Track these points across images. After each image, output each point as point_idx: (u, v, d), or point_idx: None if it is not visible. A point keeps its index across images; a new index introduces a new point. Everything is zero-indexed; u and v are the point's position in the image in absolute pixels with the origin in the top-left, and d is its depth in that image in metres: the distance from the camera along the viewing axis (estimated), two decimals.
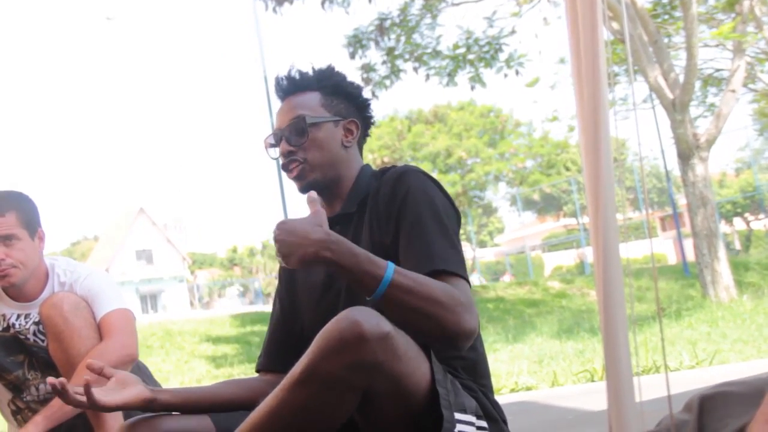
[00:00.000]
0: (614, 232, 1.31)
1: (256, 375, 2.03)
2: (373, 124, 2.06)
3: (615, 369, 1.25)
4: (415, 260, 1.70)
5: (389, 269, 1.59)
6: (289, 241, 1.61)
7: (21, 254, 2.60)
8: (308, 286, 1.99)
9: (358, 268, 1.59)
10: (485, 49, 12.68)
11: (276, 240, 1.63)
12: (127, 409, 1.72)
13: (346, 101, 1.98)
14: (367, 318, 1.46)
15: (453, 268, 1.67)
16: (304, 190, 1.93)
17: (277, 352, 2.00)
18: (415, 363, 1.56)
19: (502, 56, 12.70)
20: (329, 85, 1.97)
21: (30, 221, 2.66)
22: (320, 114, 1.94)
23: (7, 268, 2.58)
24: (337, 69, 2.01)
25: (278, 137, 1.96)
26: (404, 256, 1.73)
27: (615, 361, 1.25)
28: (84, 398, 1.63)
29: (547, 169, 30.41)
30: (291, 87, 1.99)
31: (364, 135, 2.04)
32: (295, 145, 1.92)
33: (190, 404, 1.82)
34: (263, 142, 2.01)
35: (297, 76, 1.98)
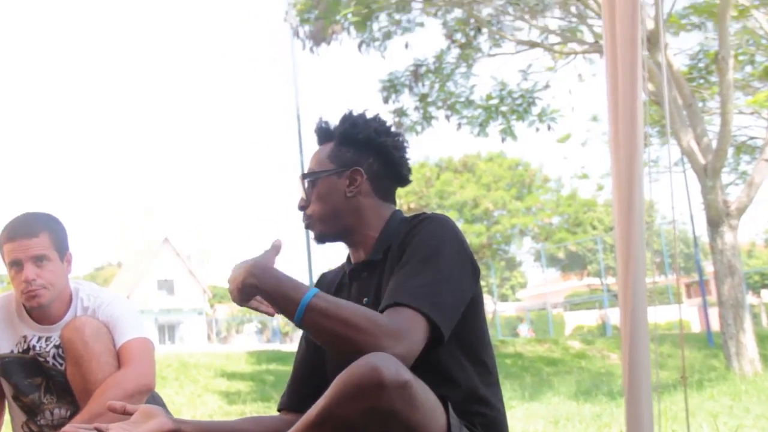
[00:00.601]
0: (642, 294, 1.31)
1: (277, 414, 2.03)
2: (400, 165, 1.99)
3: None
4: (388, 292, 1.73)
5: (309, 294, 1.64)
6: (230, 278, 1.74)
7: (51, 276, 2.62)
8: None
9: (278, 292, 1.67)
10: (518, 101, 12.74)
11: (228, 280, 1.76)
12: None
13: (356, 148, 1.96)
14: (387, 365, 1.45)
15: (410, 302, 1.67)
16: (316, 241, 2.01)
17: (300, 392, 2.00)
18: (431, 414, 1.55)
19: (535, 110, 12.74)
20: (339, 133, 1.98)
21: (60, 243, 2.68)
22: (325, 167, 1.96)
23: (37, 288, 2.59)
24: (355, 114, 1.99)
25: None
26: (391, 281, 1.77)
27: (637, 427, 1.23)
28: None
29: (574, 226, 30.26)
30: (317, 137, 2.04)
31: (395, 178, 2.00)
32: (304, 201, 1.98)
33: None
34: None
35: (324, 127, 2.02)
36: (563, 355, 16.25)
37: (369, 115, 2.00)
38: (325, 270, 2.20)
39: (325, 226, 1.96)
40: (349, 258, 2.02)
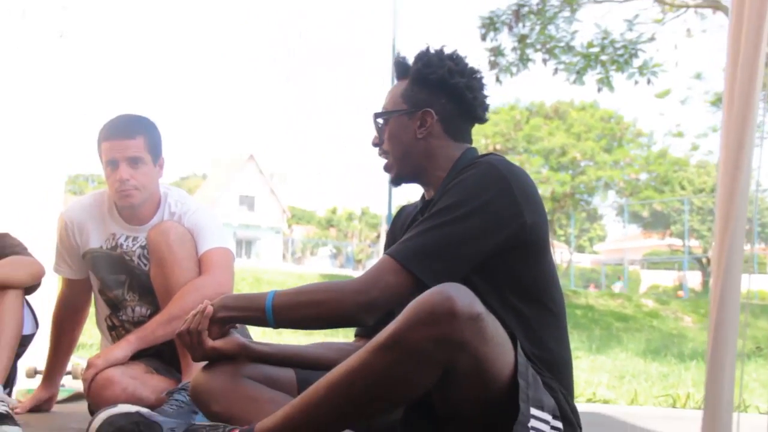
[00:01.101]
0: (738, 260, 1.26)
1: (350, 341, 2.06)
2: (476, 105, 1.94)
3: (715, 399, 1.20)
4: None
5: (268, 298, 1.72)
6: (193, 326, 1.80)
7: (144, 178, 2.69)
8: None
9: (246, 311, 1.77)
10: (620, 52, 12.31)
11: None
12: (224, 353, 1.78)
13: (429, 88, 1.91)
14: (460, 296, 1.46)
15: (392, 252, 1.73)
16: (392, 183, 2.01)
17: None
18: (500, 350, 1.55)
19: (636, 62, 12.29)
20: (413, 72, 1.94)
21: (155, 147, 2.74)
22: (398, 106, 1.94)
23: (130, 189, 2.67)
24: (430, 52, 1.93)
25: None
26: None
27: (717, 393, 1.20)
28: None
29: (661, 185, 29.45)
30: (397, 73, 2.01)
31: (469, 117, 1.96)
32: (378, 138, 1.98)
33: (281, 357, 1.88)
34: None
35: (401, 62, 1.99)
36: (635, 312, 16.04)
37: (446, 52, 1.93)
38: (405, 203, 2.20)
39: (398, 167, 1.96)
40: (423, 198, 2.02)
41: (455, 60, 1.92)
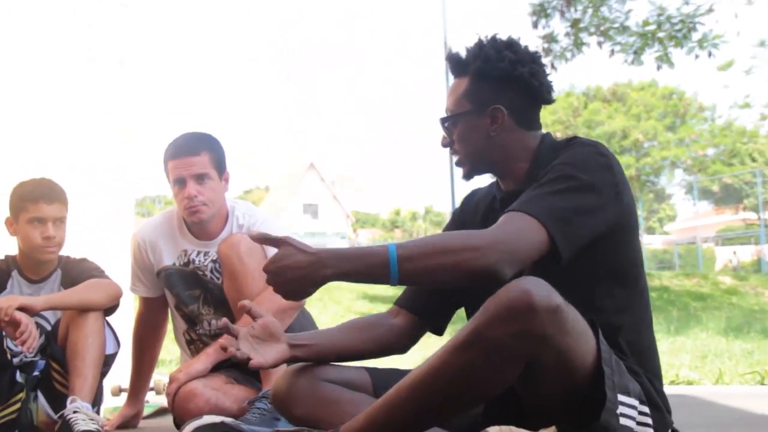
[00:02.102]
0: None
1: (389, 310, 2.02)
2: (542, 90, 1.89)
3: None
4: (521, 199, 1.69)
5: (390, 249, 1.56)
6: (286, 280, 1.61)
7: (211, 193, 2.74)
8: None
9: (361, 267, 1.58)
10: (677, 27, 12.00)
11: (273, 285, 1.64)
12: (272, 367, 1.77)
13: (493, 84, 1.86)
14: (538, 289, 1.44)
15: (528, 209, 1.63)
16: (465, 178, 1.97)
17: (424, 297, 1.99)
18: (582, 339, 1.54)
19: (695, 36, 11.96)
20: (474, 69, 1.88)
21: (220, 163, 2.79)
22: (462, 107, 1.90)
23: (198, 205, 2.72)
24: (486, 45, 1.88)
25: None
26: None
27: None
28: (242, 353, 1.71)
29: (730, 158, 28.68)
30: (452, 68, 1.96)
31: (539, 101, 1.92)
32: (449, 140, 1.94)
33: (321, 357, 1.85)
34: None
35: (455, 59, 1.93)
36: (713, 290, 15.64)
37: (501, 42, 1.89)
38: (474, 188, 2.15)
39: (473, 165, 1.93)
40: (498, 184, 1.98)
41: (513, 48, 1.87)
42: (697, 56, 12.05)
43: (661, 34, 12.16)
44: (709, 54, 12.03)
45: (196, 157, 2.71)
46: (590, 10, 12.48)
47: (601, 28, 12.43)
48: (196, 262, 2.83)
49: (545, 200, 1.65)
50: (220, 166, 2.78)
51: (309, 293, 1.64)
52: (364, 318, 1.99)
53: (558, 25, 12.67)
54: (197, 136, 2.80)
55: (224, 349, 1.69)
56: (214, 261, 2.80)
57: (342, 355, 1.88)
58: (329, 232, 49.92)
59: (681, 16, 12.08)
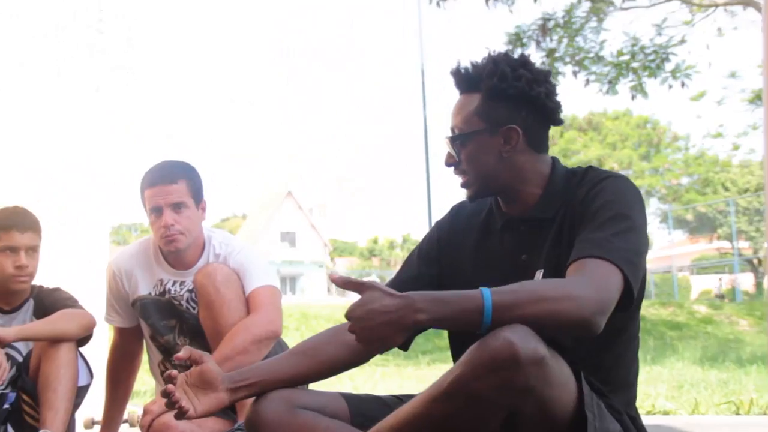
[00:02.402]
0: None
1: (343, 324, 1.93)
2: (554, 111, 1.85)
3: None
4: (577, 248, 1.64)
5: (485, 296, 1.47)
6: (373, 326, 1.50)
7: (188, 222, 2.72)
8: (479, 272, 1.89)
9: (457, 312, 1.49)
10: (651, 57, 12.23)
11: (358, 331, 1.53)
12: (203, 416, 1.74)
13: (508, 103, 1.81)
14: (523, 340, 1.41)
15: (604, 254, 1.58)
16: (470, 200, 1.92)
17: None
18: (565, 389, 1.53)
19: (669, 66, 12.21)
20: (488, 87, 1.82)
21: (197, 191, 2.78)
22: (473, 125, 1.83)
23: (175, 234, 2.70)
24: (501, 62, 1.82)
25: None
26: (579, 236, 1.67)
27: None
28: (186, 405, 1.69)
29: (703, 187, 29.04)
30: (459, 84, 1.89)
31: (550, 123, 1.88)
32: (456, 157, 1.87)
33: (269, 388, 1.78)
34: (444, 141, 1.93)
35: (461, 74, 1.87)
36: (688, 319, 15.75)
37: (515, 60, 1.84)
38: (461, 201, 2.06)
39: (481, 186, 1.86)
40: (498, 204, 1.92)
41: (527, 66, 1.83)
42: (670, 86, 12.27)
43: (635, 65, 12.39)
44: (682, 84, 12.26)
45: (174, 185, 2.70)
46: (565, 40, 12.69)
47: (576, 58, 12.63)
48: (172, 291, 2.81)
49: (614, 243, 1.61)
50: (197, 195, 2.77)
51: (397, 342, 1.53)
52: (313, 338, 1.91)
53: (534, 55, 12.82)
54: (174, 165, 2.79)
55: (164, 395, 1.66)
56: (190, 291, 2.78)
57: (292, 383, 1.81)
58: (307, 261, 49.78)
59: (654, 46, 12.32)
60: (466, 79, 1.87)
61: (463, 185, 1.89)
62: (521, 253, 1.82)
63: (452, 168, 1.89)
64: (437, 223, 2.06)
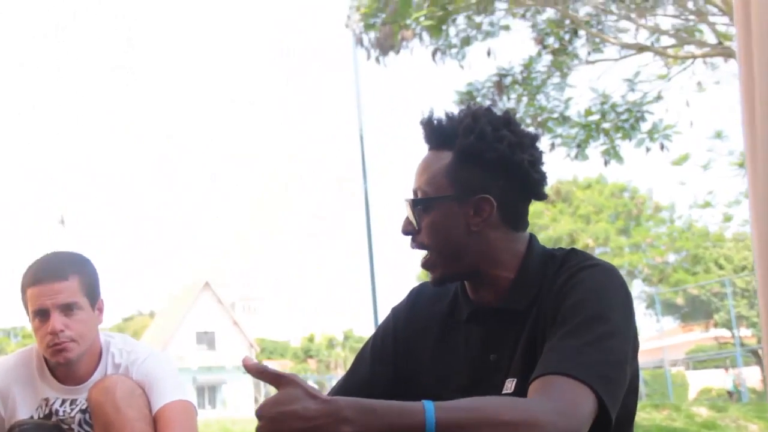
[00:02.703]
0: None
1: None
2: (539, 182, 1.85)
3: None
4: (544, 359, 1.61)
5: (428, 412, 1.43)
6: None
7: (81, 326, 2.66)
8: (441, 370, 1.88)
9: (395, 426, 1.43)
10: (624, 116, 12.56)
11: None
12: None
13: (484, 168, 1.78)
14: None
15: (575, 372, 1.55)
16: (436, 285, 1.89)
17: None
18: None
19: (644, 126, 12.53)
20: (466, 145, 1.79)
21: (92, 289, 2.73)
22: (440, 189, 1.80)
23: (65, 341, 2.62)
24: (480, 119, 1.80)
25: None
26: (547, 345, 1.65)
27: None
28: None
29: (693, 265, 29.62)
30: (429, 139, 1.87)
31: (531, 196, 1.87)
32: (415, 225, 1.84)
33: None
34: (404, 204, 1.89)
35: (436, 126, 1.85)
36: (687, 424, 15.82)
37: (498, 117, 1.82)
38: (421, 283, 2.04)
39: (445, 265, 1.83)
40: (464, 291, 1.91)
41: (511, 127, 1.80)
42: (648, 149, 12.60)
43: (606, 125, 12.70)
44: (662, 146, 12.60)
45: (63, 282, 2.64)
46: (525, 99, 13.00)
47: (539, 119, 12.92)
48: (61, 413, 2.73)
49: (586, 356, 1.58)
50: (92, 293, 2.72)
51: None
52: None
53: None
54: (64, 257, 2.73)
55: None
56: (83, 411, 2.70)
57: None
58: (229, 366, 49.00)
59: (627, 104, 12.66)
60: (439, 133, 1.84)
61: (426, 265, 1.85)
62: (489, 353, 1.80)
63: (409, 239, 1.85)
64: (393, 309, 2.03)
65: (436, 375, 1.87)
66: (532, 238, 1.89)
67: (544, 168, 1.84)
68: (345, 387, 1.95)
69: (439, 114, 1.85)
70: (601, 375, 1.57)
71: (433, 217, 1.81)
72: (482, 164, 1.78)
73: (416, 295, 2.01)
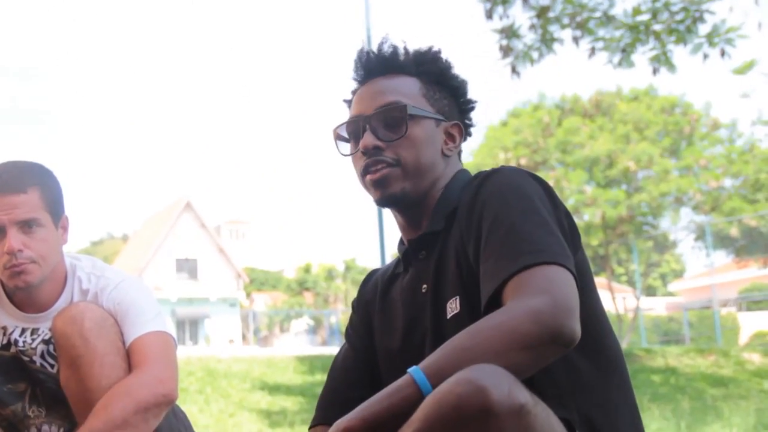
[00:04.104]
0: None
1: None
2: (470, 134, 2.13)
3: None
4: (494, 264, 1.73)
5: (416, 375, 1.57)
6: None
7: (42, 246, 2.67)
8: (386, 326, 2.09)
9: (389, 405, 1.57)
10: (679, 17, 12.39)
11: None
12: None
13: (451, 98, 2.05)
14: (496, 383, 1.42)
15: (544, 258, 1.68)
16: (382, 202, 2.02)
17: (341, 403, 2.04)
18: None
19: (703, 29, 12.38)
20: (432, 72, 2.03)
21: (55, 204, 2.73)
22: (422, 106, 2.01)
23: (25, 262, 2.64)
24: (441, 55, 2.08)
25: (359, 126, 2.02)
26: (481, 267, 1.77)
27: None
28: None
29: (753, 193, 29.52)
30: (381, 66, 2.06)
31: (467, 134, 2.14)
32: (386, 140, 1.98)
33: None
34: (332, 133, 2.09)
35: (391, 53, 2.05)
36: (737, 372, 15.99)
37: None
38: (371, 270, 2.32)
39: (410, 182, 1.99)
40: (401, 240, 2.11)
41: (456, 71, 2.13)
42: (706, 56, 12.42)
43: (657, 27, 12.51)
44: (723, 53, 12.42)
45: (21, 195, 2.64)
46: None
47: (578, 19, 12.71)
48: (20, 343, 2.76)
49: (535, 233, 1.73)
50: (55, 209, 2.72)
51: None
52: None
53: (520, 15, 12.95)
54: (23, 167, 2.72)
55: None
56: (46, 342, 2.73)
57: None
58: (213, 298, 49.53)
59: (683, 2, 12.45)
60: (397, 60, 2.07)
61: (384, 178, 1.98)
62: (422, 284, 1.97)
63: (372, 156, 1.99)
64: (351, 303, 2.27)
65: (383, 334, 2.08)
66: (464, 169, 2.11)
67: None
68: (332, 396, 2.17)
69: (390, 43, 2.08)
70: (551, 246, 1.71)
71: (417, 131, 1.99)
72: (449, 92, 2.07)
73: (366, 279, 2.27)
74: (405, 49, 2.07)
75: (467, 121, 2.12)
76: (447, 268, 1.90)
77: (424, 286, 1.95)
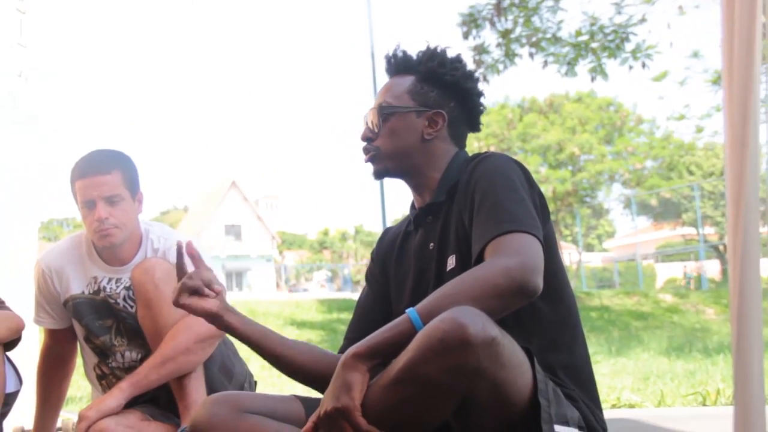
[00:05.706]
0: (756, 245, 1.26)
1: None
2: (478, 113, 2.06)
3: (745, 393, 1.20)
4: (480, 230, 1.74)
5: (411, 314, 1.58)
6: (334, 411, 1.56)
7: (123, 215, 2.69)
8: (400, 274, 2.06)
9: (390, 336, 1.59)
10: (610, 37, 12.34)
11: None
12: (191, 312, 1.88)
13: (440, 89, 1.99)
14: (473, 320, 1.45)
15: (506, 228, 1.68)
16: (375, 176, 2.03)
17: (361, 334, 2.02)
18: (518, 371, 1.56)
19: (629, 46, 12.32)
20: (425, 70, 2.00)
21: (132, 182, 2.74)
22: (404, 102, 1.99)
23: (110, 227, 2.66)
24: (441, 51, 2.01)
25: (366, 119, 2.04)
26: (473, 232, 1.77)
27: (747, 387, 1.20)
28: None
29: (668, 172, 29.50)
30: (391, 67, 2.05)
31: (470, 124, 2.07)
32: (372, 132, 2.00)
33: (255, 343, 1.91)
34: (362, 119, 2.07)
35: (397, 57, 2.03)
36: (654, 308, 16.04)
37: (451, 54, 2.03)
38: (387, 227, 2.27)
39: (391, 162, 2.00)
40: (413, 204, 2.08)
41: (463, 63, 2.01)
42: (631, 67, 12.39)
43: (594, 45, 12.48)
44: (643, 65, 12.41)
45: (107, 176, 2.66)
46: (521, 20, 12.74)
47: (533, 39, 12.68)
48: (107, 289, 2.77)
49: (509, 206, 1.73)
50: (132, 186, 2.73)
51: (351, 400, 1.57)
52: (322, 349, 2.01)
53: (489, 36, 12.89)
54: (107, 154, 2.74)
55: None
56: (127, 288, 2.74)
57: (288, 363, 1.90)
58: (253, 255, 49.49)
59: (614, 26, 12.42)
60: (403, 61, 2.03)
61: (372, 159, 2.01)
62: (429, 243, 1.96)
63: (365, 144, 2.02)
64: (372, 254, 2.22)
65: (396, 282, 2.06)
66: (462, 151, 2.06)
67: (483, 104, 2.05)
68: (356, 326, 2.14)
69: (402, 48, 2.05)
70: (523, 216, 1.71)
71: (393, 124, 1.99)
72: (440, 85, 1.99)
73: (382, 234, 2.22)
74: (409, 51, 2.04)
75: (471, 104, 2.02)
76: (449, 232, 1.90)
77: (431, 244, 1.95)
